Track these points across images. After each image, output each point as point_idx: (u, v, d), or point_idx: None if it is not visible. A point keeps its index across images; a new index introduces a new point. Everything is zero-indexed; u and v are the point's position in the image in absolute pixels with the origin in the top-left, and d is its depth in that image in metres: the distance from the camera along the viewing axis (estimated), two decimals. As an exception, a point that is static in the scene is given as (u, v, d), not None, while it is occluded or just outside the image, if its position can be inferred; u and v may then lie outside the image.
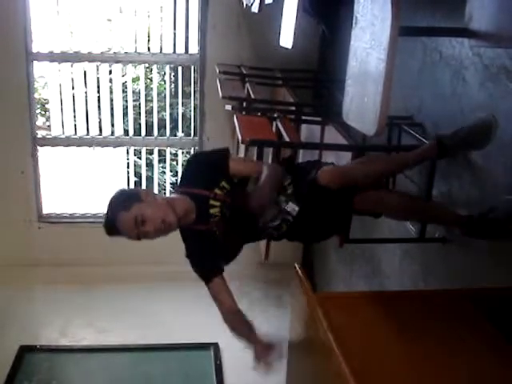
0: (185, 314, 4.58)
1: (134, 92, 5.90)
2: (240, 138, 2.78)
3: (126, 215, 2.15)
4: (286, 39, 2.91)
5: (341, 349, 1.53)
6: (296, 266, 1.97)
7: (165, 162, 5.91)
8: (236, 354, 4.19)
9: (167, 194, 2.42)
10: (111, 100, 5.41)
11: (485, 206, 2.35)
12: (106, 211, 2.23)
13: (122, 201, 2.20)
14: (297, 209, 2.37)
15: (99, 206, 5.26)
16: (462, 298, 2.09)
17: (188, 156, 5.58)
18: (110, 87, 5.39)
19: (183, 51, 4.98)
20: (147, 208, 2.17)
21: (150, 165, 5.99)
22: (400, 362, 1.75)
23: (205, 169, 2.36)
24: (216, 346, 4.27)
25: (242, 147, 3.35)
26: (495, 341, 1.88)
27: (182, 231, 2.35)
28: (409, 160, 2.48)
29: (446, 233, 2.76)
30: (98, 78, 5.27)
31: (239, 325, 2.30)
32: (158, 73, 6.27)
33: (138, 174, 5.94)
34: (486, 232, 2.33)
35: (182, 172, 2.49)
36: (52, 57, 4.90)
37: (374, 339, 1.86)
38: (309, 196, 2.37)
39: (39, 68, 5.08)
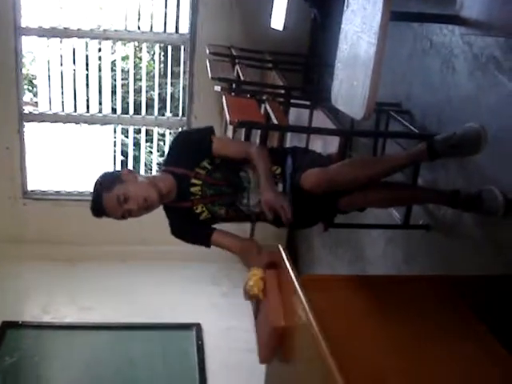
0: (168, 294, 4.60)
1: (122, 71, 5.85)
2: (228, 119, 2.77)
3: (109, 196, 2.26)
4: (278, 21, 2.90)
5: (323, 331, 1.54)
6: (279, 247, 1.97)
7: (152, 141, 5.88)
8: (218, 334, 4.26)
9: (153, 174, 2.48)
10: (99, 78, 5.36)
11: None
12: (91, 195, 2.33)
13: (105, 183, 2.31)
14: (282, 186, 2.41)
15: (85, 184, 5.25)
16: (443, 284, 2.11)
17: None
18: (99, 65, 5.34)
19: (174, 31, 4.95)
20: (129, 187, 2.27)
21: (136, 144, 5.95)
22: (381, 345, 1.76)
23: (188, 148, 2.42)
24: (198, 326, 4.30)
25: (230, 128, 3.35)
26: (475, 327, 1.91)
27: (165, 209, 2.44)
28: (397, 163, 2.42)
29: (431, 219, 2.78)
30: (86, 56, 5.22)
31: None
32: (148, 52, 6.22)
33: (124, 153, 5.90)
34: (473, 204, 2.35)
35: (168, 150, 2.55)
36: (41, 32, 4.83)
37: (356, 322, 1.88)
38: (292, 198, 2.38)
39: (27, 43, 5.02)
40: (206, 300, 4.64)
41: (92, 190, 2.33)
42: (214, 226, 2.47)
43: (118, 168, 5.69)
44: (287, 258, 1.91)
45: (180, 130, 5.18)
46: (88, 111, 5.23)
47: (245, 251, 2.33)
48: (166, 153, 2.55)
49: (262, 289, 2.00)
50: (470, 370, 1.69)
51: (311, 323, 1.57)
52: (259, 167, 2.29)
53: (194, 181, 2.38)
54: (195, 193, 2.38)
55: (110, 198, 2.26)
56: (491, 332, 1.88)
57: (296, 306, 1.70)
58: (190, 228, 2.44)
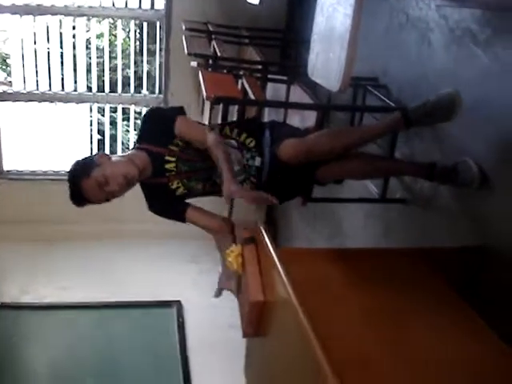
0: (148, 272, 4.60)
1: (97, 48, 5.77)
2: (205, 94, 2.76)
3: (88, 182, 2.23)
4: (254, -5, 2.87)
5: (302, 304, 1.55)
6: (258, 222, 1.98)
7: (129, 120, 5.84)
8: (198, 312, 4.27)
9: (127, 152, 2.44)
10: (74, 56, 5.29)
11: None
12: (68, 186, 2.28)
13: (80, 170, 2.27)
14: (260, 160, 2.41)
15: (61, 163, 5.20)
16: (421, 256, 2.14)
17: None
18: (74, 43, 5.26)
19: (149, 7, 4.89)
20: (106, 168, 2.24)
21: (113, 123, 5.90)
22: (360, 317, 1.78)
23: (158, 126, 2.40)
24: (179, 303, 4.32)
25: (208, 104, 3.33)
26: (450, 298, 1.94)
27: (142, 186, 2.43)
28: (374, 133, 2.44)
29: (408, 193, 2.80)
30: (60, 34, 5.14)
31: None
32: (123, 29, 6.14)
33: (101, 132, 5.85)
34: (449, 177, 2.37)
35: (139, 128, 2.52)
36: (13, 9, 4.74)
37: (335, 295, 1.90)
38: (269, 169, 2.39)
39: (0, 21, 4.92)
40: (186, 277, 4.65)
41: (68, 180, 2.29)
42: (190, 200, 2.46)
43: (95, 148, 5.66)
44: (266, 233, 1.92)
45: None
46: (63, 89, 5.16)
47: (219, 232, 2.35)
48: (138, 131, 2.53)
49: (241, 264, 2.01)
50: (447, 339, 1.71)
51: (290, 296, 1.58)
52: (219, 157, 2.22)
53: (168, 158, 2.37)
54: (170, 169, 2.37)
55: (89, 183, 2.22)
56: (467, 302, 1.91)
57: (275, 280, 1.71)
58: (166, 204, 2.43)
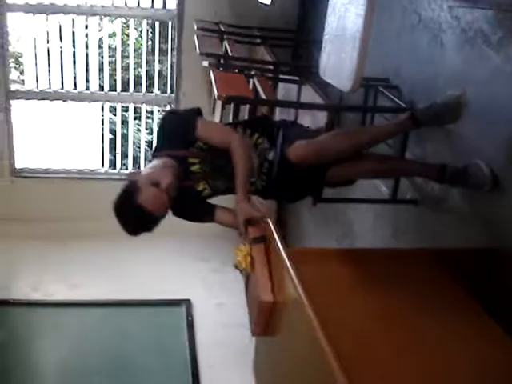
0: (158, 271, 4.62)
1: (110, 48, 5.79)
2: (216, 94, 2.76)
3: (143, 192, 2.13)
4: (266, -5, 2.88)
5: (312, 303, 1.55)
6: (268, 220, 1.98)
7: (140, 119, 5.85)
8: (207, 310, 4.28)
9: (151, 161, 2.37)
10: (86, 55, 5.32)
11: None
12: (123, 221, 2.20)
13: (127, 194, 2.17)
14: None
15: (73, 162, 5.23)
16: (430, 257, 2.14)
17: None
18: (86, 42, 5.29)
19: (161, 6, 4.91)
20: (147, 171, 2.20)
21: (124, 122, 5.92)
22: (370, 317, 1.79)
23: (177, 129, 2.35)
24: (188, 302, 4.32)
25: (219, 104, 3.34)
26: (461, 299, 1.93)
27: None
28: (383, 133, 2.48)
29: (419, 194, 2.80)
30: (73, 32, 5.17)
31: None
32: (135, 29, 6.16)
33: (112, 132, 5.88)
34: (459, 179, 2.36)
35: (157, 135, 2.46)
36: (27, 8, 4.78)
37: (345, 295, 1.90)
38: (279, 170, 2.38)
39: (14, 20, 4.95)
40: (196, 276, 4.66)
41: (119, 215, 2.19)
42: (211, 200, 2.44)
43: (106, 147, 5.67)
44: (276, 231, 1.93)
45: (168, 106, 5.16)
46: (75, 88, 5.19)
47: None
48: (157, 137, 2.46)
49: (250, 263, 2.01)
50: (457, 339, 1.71)
51: (300, 296, 1.58)
52: (238, 167, 2.21)
53: (191, 160, 2.32)
54: (195, 171, 2.33)
55: (144, 193, 2.12)
56: (478, 303, 1.90)
57: (285, 279, 1.71)
58: (193, 207, 2.38)
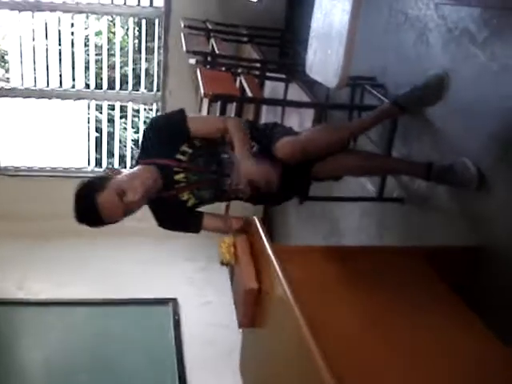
0: (144, 270, 4.59)
1: (96, 46, 5.77)
2: (202, 91, 2.75)
3: (104, 195, 2.05)
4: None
5: (298, 302, 1.55)
6: (255, 218, 1.98)
7: (126, 118, 5.83)
8: (194, 309, 4.27)
9: (128, 168, 2.30)
10: (72, 53, 5.29)
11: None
12: (75, 206, 2.11)
13: (92, 186, 2.10)
14: None
15: (58, 160, 5.19)
16: (416, 254, 2.14)
17: (150, 112, 5.52)
18: (72, 40, 5.26)
19: (148, 4, 4.89)
20: (122, 178, 2.12)
21: (111, 121, 5.89)
22: (355, 314, 1.79)
23: (163, 136, 2.27)
24: (175, 301, 4.31)
25: (205, 102, 3.33)
26: (447, 297, 1.94)
27: (149, 202, 2.28)
28: (366, 123, 2.48)
29: (405, 192, 2.80)
30: (59, 30, 5.14)
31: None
32: (122, 27, 6.14)
33: (98, 130, 5.85)
34: (446, 177, 2.37)
35: (142, 142, 2.35)
36: (12, 5, 4.75)
37: (331, 293, 1.90)
38: None
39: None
40: (182, 275, 4.64)
41: (77, 199, 2.10)
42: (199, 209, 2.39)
43: (92, 146, 5.64)
44: (262, 229, 1.92)
45: (155, 104, 5.15)
46: (61, 86, 5.16)
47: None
48: (141, 144, 2.35)
49: (234, 254, 2.03)
50: (443, 337, 1.71)
51: (287, 295, 1.58)
52: (235, 137, 2.22)
53: (176, 169, 2.25)
54: (180, 180, 2.27)
55: (105, 197, 2.04)
56: (464, 301, 1.91)
57: (272, 278, 1.71)
58: (179, 218, 2.33)
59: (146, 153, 2.28)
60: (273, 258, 1.76)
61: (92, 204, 2.04)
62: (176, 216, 2.32)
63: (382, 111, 2.47)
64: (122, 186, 2.07)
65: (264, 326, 1.85)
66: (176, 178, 2.25)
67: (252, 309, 1.87)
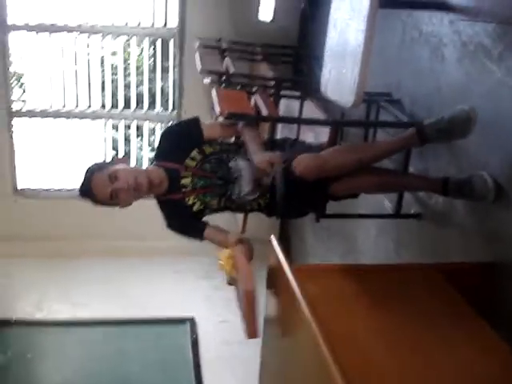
0: (162, 289, 4.60)
1: (112, 66, 5.81)
2: (218, 110, 2.76)
3: (100, 175, 2.31)
4: (266, 12, 2.88)
5: (317, 320, 1.55)
6: (272, 238, 1.98)
7: (142, 136, 5.86)
8: (212, 328, 4.25)
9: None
10: (88, 74, 5.33)
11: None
12: (83, 177, 2.37)
13: (98, 165, 2.38)
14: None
15: (75, 181, 5.21)
16: (434, 271, 2.12)
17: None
18: (88, 61, 5.30)
19: (162, 25, 4.92)
20: (120, 167, 2.34)
21: (127, 140, 5.93)
22: (372, 331, 1.78)
23: (176, 140, 2.47)
24: (192, 320, 4.30)
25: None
26: (465, 313, 1.92)
27: (159, 203, 2.45)
28: (388, 149, 2.43)
29: (422, 208, 2.79)
30: (75, 52, 5.19)
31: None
32: (137, 46, 6.18)
33: (115, 149, 5.88)
34: (463, 190, 2.35)
35: (158, 145, 2.57)
36: (28, 27, 4.81)
37: (349, 311, 1.89)
38: (283, 183, 2.37)
39: (16, 40, 4.98)
40: (200, 294, 4.64)
41: (84, 174, 2.37)
42: (206, 218, 2.47)
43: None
44: (280, 250, 1.92)
45: (170, 123, 5.17)
46: (77, 107, 5.20)
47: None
48: (156, 147, 2.58)
49: (232, 265, 2.10)
50: (461, 354, 1.70)
51: (305, 314, 1.58)
52: (245, 134, 2.33)
53: (184, 173, 2.40)
54: (186, 184, 2.40)
55: (100, 176, 2.30)
56: (482, 318, 1.89)
57: (290, 296, 1.70)
58: (185, 222, 2.45)
59: (158, 155, 2.50)
60: (291, 276, 1.75)
61: (89, 179, 2.33)
62: (183, 220, 2.45)
63: (404, 139, 2.40)
64: (117, 173, 2.30)
65: (283, 342, 1.84)
66: (182, 182, 2.41)
67: (254, 313, 1.87)
